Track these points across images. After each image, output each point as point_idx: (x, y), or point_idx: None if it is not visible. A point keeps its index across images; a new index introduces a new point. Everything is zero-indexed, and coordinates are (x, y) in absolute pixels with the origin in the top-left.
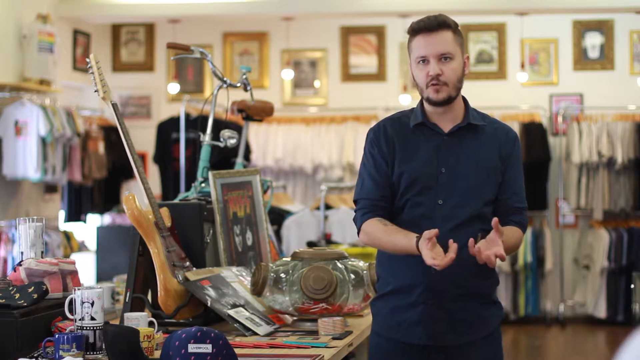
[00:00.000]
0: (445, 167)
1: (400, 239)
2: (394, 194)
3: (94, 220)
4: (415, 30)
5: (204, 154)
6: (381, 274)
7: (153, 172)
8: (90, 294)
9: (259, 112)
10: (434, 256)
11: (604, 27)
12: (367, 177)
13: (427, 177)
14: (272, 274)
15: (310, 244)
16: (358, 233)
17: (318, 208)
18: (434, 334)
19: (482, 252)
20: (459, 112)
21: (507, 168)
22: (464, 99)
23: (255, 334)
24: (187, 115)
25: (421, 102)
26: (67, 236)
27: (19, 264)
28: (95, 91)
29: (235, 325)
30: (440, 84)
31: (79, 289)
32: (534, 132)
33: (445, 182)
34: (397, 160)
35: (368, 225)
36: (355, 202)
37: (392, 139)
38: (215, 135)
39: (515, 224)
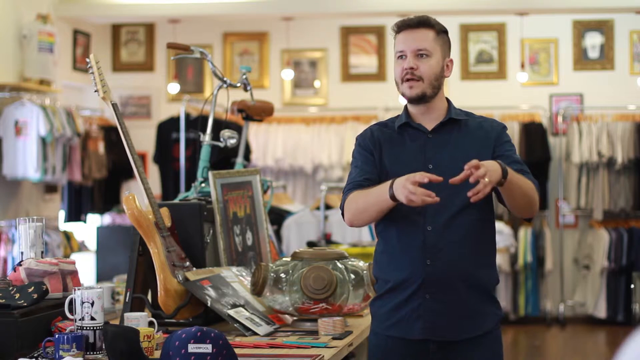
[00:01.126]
0: (433, 163)
1: (374, 189)
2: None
3: (94, 220)
4: (399, 27)
5: (204, 154)
6: (379, 275)
7: (153, 172)
8: (90, 294)
9: (259, 112)
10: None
11: (604, 27)
12: (353, 169)
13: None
14: (272, 274)
15: (310, 244)
16: (343, 216)
17: (318, 208)
18: (433, 328)
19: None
20: (442, 112)
21: (499, 147)
22: (447, 100)
23: (255, 334)
24: (187, 115)
25: (406, 105)
26: (67, 236)
27: (19, 264)
28: (95, 91)
29: (235, 325)
30: (415, 79)
31: (79, 289)
32: (534, 132)
33: None
34: (384, 161)
35: (347, 200)
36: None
37: (379, 141)
38: (215, 135)
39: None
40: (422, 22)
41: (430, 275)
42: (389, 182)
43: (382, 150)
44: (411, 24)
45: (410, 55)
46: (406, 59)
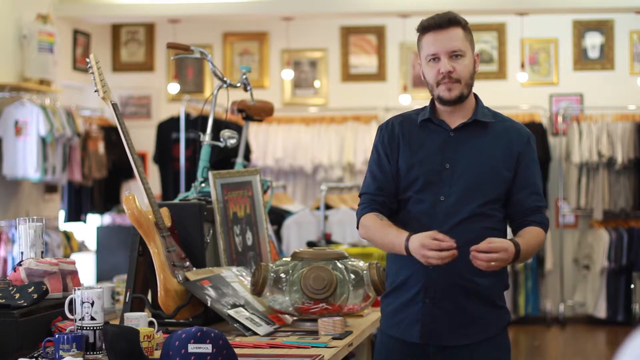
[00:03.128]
0: (450, 163)
1: (391, 232)
2: (396, 189)
3: (94, 220)
4: (425, 27)
5: (204, 154)
6: (387, 271)
7: (153, 172)
8: (90, 294)
9: (259, 112)
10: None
11: (604, 27)
12: (369, 172)
13: (431, 172)
14: (272, 274)
15: (310, 244)
16: (357, 227)
17: (318, 208)
18: (432, 333)
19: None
20: (469, 110)
21: (521, 166)
22: (475, 96)
23: (255, 334)
24: (187, 115)
25: (432, 100)
26: (67, 236)
27: (19, 264)
28: (95, 91)
29: (235, 325)
30: (453, 81)
31: (79, 289)
32: (534, 132)
33: (448, 179)
34: (401, 157)
35: (365, 219)
36: (359, 197)
37: (398, 136)
38: (215, 135)
39: (535, 224)
40: (451, 21)
41: (431, 279)
42: (404, 235)
43: (399, 145)
44: (441, 23)
45: (444, 58)
46: (440, 62)
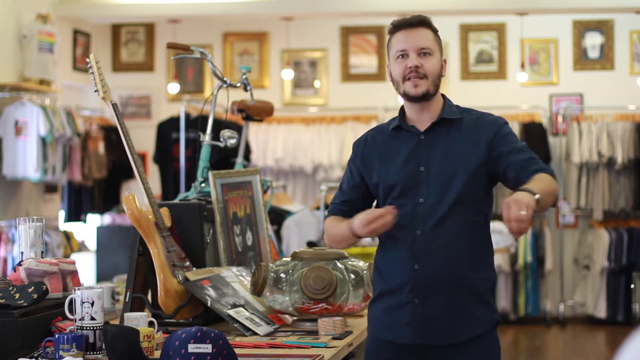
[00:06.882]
0: (424, 165)
1: (342, 223)
2: (365, 204)
3: (94, 220)
4: (396, 26)
5: (204, 154)
6: (375, 277)
7: (153, 172)
8: (90, 294)
9: (259, 112)
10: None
11: (604, 27)
12: (340, 187)
13: (407, 178)
14: (272, 274)
15: (310, 244)
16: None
17: (318, 208)
18: (423, 334)
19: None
20: (437, 110)
21: (500, 143)
22: (443, 96)
23: (255, 334)
24: (187, 115)
25: (402, 108)
26: (67, 236)
27: (19, 264)
28: (95, 91)
29: (235, 325)
30: (420, 77)
31: (79, 289)
32: (534, 132)
33: (425, 181)
34: (375, 169)
35: (325, 223)
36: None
37: (371, 149)
38: (215, 135)
39: (537, 172)
40: (422, 22)
41: (419, 280)
42: (349, 223)
43: (372, 159)
44: (412, 22)
45: (413, 54)
46: (408, 58)
